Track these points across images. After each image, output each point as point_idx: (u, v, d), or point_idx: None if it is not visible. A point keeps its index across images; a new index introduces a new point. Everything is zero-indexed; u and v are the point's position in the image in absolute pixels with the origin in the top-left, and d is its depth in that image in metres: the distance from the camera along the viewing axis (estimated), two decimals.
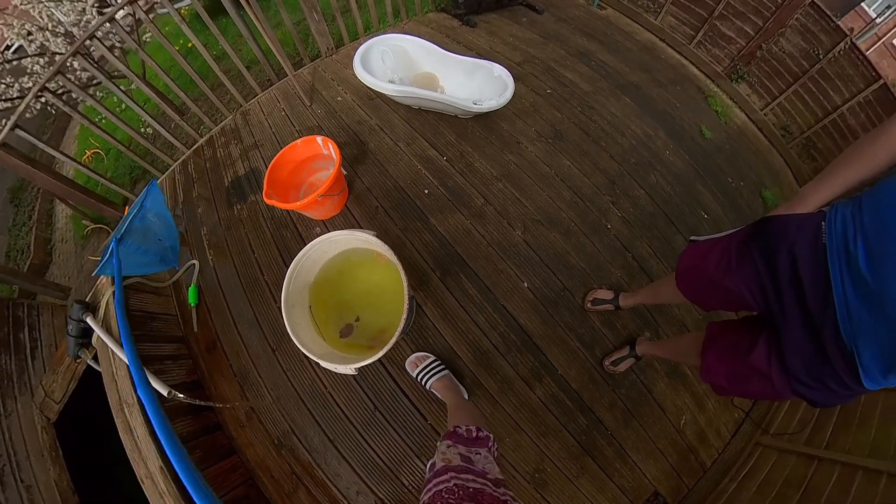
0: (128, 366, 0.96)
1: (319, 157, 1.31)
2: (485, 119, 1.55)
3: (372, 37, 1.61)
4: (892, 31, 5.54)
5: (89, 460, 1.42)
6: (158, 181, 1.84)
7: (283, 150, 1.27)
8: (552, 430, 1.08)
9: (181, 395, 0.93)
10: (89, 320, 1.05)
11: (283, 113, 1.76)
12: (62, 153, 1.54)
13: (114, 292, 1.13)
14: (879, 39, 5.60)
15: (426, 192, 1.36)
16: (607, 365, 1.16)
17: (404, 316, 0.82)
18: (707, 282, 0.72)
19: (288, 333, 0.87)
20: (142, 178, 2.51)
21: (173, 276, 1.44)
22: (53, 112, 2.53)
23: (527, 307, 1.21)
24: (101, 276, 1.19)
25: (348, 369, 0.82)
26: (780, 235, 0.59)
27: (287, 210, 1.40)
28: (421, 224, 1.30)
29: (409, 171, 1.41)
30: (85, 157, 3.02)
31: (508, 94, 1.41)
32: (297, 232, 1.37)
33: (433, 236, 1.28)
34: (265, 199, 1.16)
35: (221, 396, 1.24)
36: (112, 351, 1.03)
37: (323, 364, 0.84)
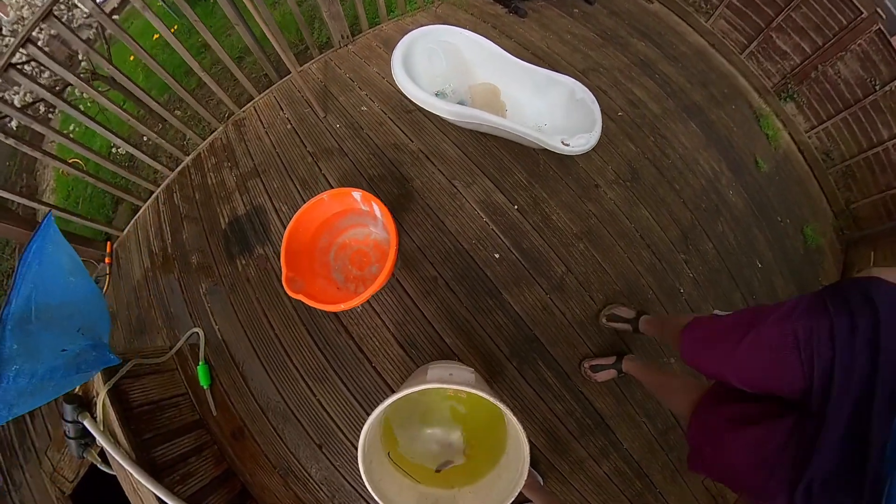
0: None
1: (355, 211, 0.97)
2: (557, 153, 1.25)
3: (412, 28, 1.21)
4: None
5: None
6: (142, 209, 1.44)
7: (302, 210, 0.92)
8: (611, 496, 1.07)
9: None
10: (87, 423, 0.88)
11: (289, 125, 1.35)
12: (36, 200, 1.27)
13: (114, 390, 0.90)
14: None
15: (497, 256, 1.08)
16: (585, 368, 1.06)
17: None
18: (724, 344, 0.60)
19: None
20: (124, 200, 2.17)
21: (172, 342, 1.16)
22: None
23: (603, 389, 1.08)
24: None
25: None
26: (870, 299, 0.46)
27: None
28: (493, 301, 1.05)
29: (472, 225, 1.12)
30: (62, 170, 2.53)
31: (597, 134, 1.14)
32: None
33: (507, 317, 1.05)
34: (287, 290, 0.84)
35: (262, 487, 1.06)
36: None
37: None
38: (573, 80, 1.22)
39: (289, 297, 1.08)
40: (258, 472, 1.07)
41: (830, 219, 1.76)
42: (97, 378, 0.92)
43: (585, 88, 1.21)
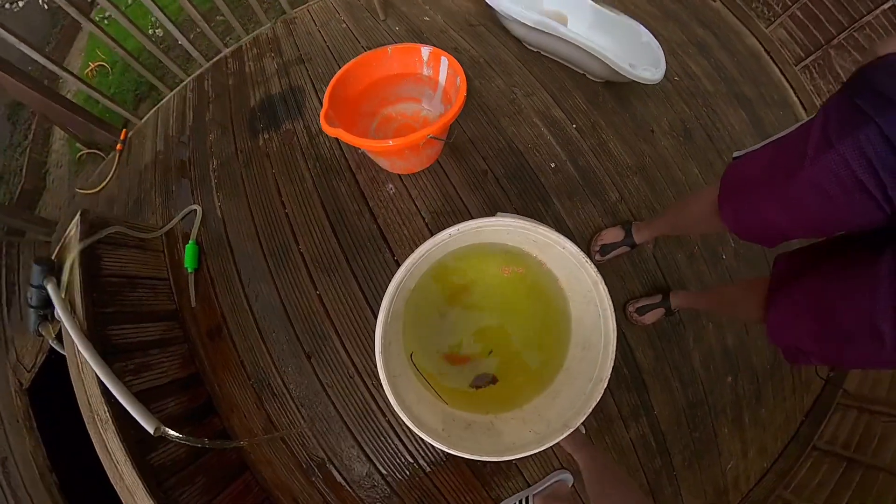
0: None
1: (413, 78, 0.90)
2: (616, 89, 1.22)
3: None
4: None
5: (64, 429, 1.04)
6: (166, 97, 1.39)
7: (362, 56, 0.85)
8: (631, 469, 1.01)
9: (175, 434, 0.65)
10: (50, 289, 0.79)
11: (344, 26, 1.31)
12: (60, 66, 1.22)
13: (87, 254, 0.83)
14: None
15: (552, 165, 1.02)
16: (630, 312, 0.96)
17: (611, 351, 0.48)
18: (780, 181, 0.46)
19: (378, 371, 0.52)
20: (147, 97, 2.27)
21: (166, 223, 1.05)
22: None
23: (645, 339, 1.00)
24: (71, 226, 0.84)
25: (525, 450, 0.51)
26: None
27: (347, 147, 1.00)
28: (543, 208, 0.97)
29: (529, 131, 1.06)
30: (88, 70, 2.59)
31: (663, 69, 1.12)
32: (356, 185, 0.97)
33: (557, 226, 0.98)
34: (323, 125, 0.76)
35: (230, 401, 0.93)
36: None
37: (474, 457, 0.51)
38: (639, 23, 1.19)
39: (310, 169, 1.01)
40: (229, 382, 0.94)
41: None
42: (72, 237, 0.83)
43: (651, 35, 1.18)
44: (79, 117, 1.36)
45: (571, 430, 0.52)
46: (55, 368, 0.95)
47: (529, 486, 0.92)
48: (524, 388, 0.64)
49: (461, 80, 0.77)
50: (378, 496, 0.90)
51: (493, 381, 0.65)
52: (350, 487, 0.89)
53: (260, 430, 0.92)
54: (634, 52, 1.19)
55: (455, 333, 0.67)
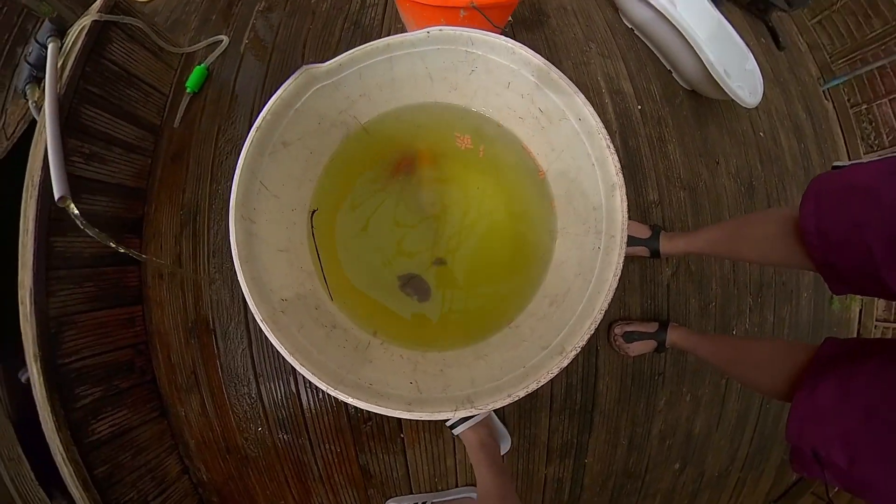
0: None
1: None
2: (698, 104, 1.12)
3: None
4: None
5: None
6: None
7: None
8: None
9: (76, 212, 0.66)
10: (51, 47, 0.80)
11: None
12: None
13: (96, 25, 0.82)
14: None
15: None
16: (615, 334, 0.82)
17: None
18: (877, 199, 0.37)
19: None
20: None
21: (192, 44, 1.06)
22: None
23: (617, 371, 0.89)
24: None
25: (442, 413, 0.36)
26: None
27: (389, 21, 0.97)
28: None
29: (589, 84, 0.96)
30: None
31: (758, 98, 1.05)
32: None
33: None
34: None
35: (157, 226, 0.94)
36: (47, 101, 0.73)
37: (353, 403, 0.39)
38: (751, 52, 1.10)
39: (340, 36, 0.99)
40: (164, 205, 0.94)
41: None
42: (94, 8, 0.82)
43: (756, 65, 1.10)
44: None
45: (499, 400, 0.37)
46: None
47: (414, 492, 0.83)
48: (449, 330, 0.50)
49: None
50: (245, 412, 0.85)
51: (425, 294, 0.51)
52: (223, 376, 0.85)
53: (167, 269, 0.89)
54: (735, 77, 1.08)
55: (393, 220, 0.53)
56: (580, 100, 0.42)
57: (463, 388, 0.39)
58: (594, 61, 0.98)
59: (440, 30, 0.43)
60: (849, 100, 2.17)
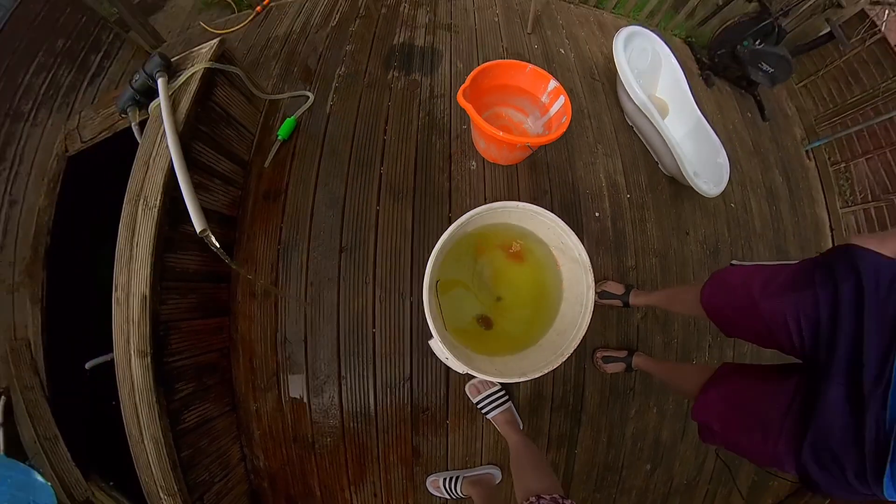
0: (171, 162, 0.83)
1: (529, 96, 1.15)
2: (676, 187, 1.46)
3: (633, 25, 1.45)
4: None
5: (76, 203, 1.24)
6: None
7: (506, 62, 1.10)
8: None
9: (215, 244, 0.78)
10: (160, 81, 0.91)
11: (496, 19, 1.56)
12: None
13: (207, 75, 0.95)
14: None
15: (597, 214, 1.26)
16: (597, 357, 1.16)
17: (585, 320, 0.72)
18: (742, 300, 0.66)
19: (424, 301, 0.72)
20: None
21: (278, 93, 1.27)
22: None
23: (599, 385, 1.19)
24: (206, 45, 1.00)
25: (458, 366, 0.71)
26: (854, 265, 0.52)
27: (456, 117, 1.24)
28: None
29: (593, 181, 1.30)
30: None
31: (720, 190, 1.36)
32: (449, 149, 1.23)
33: None
34: (459, 96, 0.99)
35: (250, 253, 1.11)
36: (163, 133, 0.87)
37: (438, 344, 0.72)
38: (723, 148, 1.43)
39: (418, 117, 1.24)
40: (259, 237, 1.09)
41: None
42: (203, 54, 0.98)
43: (727, 160, 1.42)
44: None
45: (527, 377, 0.74)
46: (98, 155, 1.12)
47: (448, 469, 1.04)
48: (506, 345, 0.87)
49: (567, 119, 1.01)
50: (323, 408, 1.02)
51: (489, 325, 0.89)
52: (307, 370, 1.02)
53: (261, 290, 1.07)
54: (705, 166, 1.42)
55: (474, 283, 0.90)
56: (579, 248, 0.79)
57: (516, 371, 0.76)
58: (599, 161, 1.32)
59: (518, 205, 0.79)
60: (829, 158, 2.47)
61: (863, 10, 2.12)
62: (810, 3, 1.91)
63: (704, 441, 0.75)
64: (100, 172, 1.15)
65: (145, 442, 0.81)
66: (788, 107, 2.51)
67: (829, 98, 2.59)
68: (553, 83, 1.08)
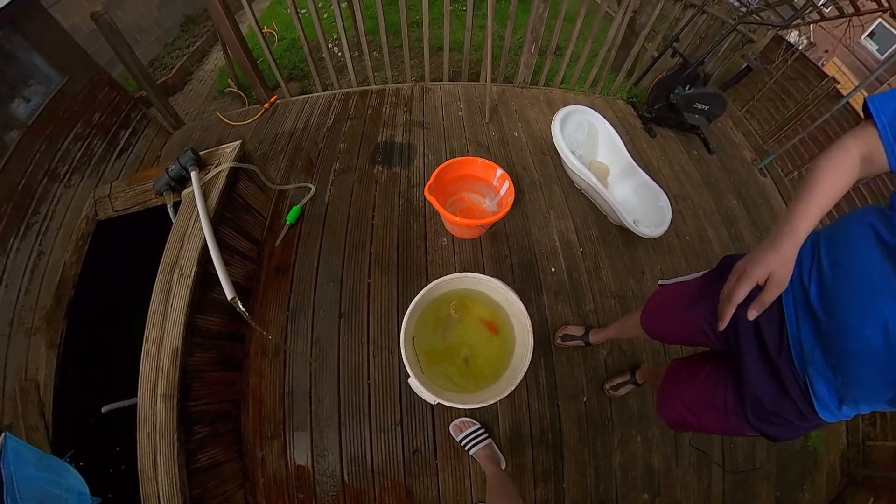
0: (204, 241, 1.05)
1: (484, 182, 1.47)
2: (627, 234, 1.71)
3: (572, 102, 1.81)
4: None
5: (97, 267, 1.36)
6: (317, 93, 1.98)
7: (461, 158, 1.44)
8: None
9: (242, 309, 0.98)
10: (193, 174, 1.10)
11: (460, 113, 1.95)
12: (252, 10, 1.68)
13: (231, 171, 1.21)
14: None
15: (553, 270, 1.51)
16: (607, 389, 1.29)
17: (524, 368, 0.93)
18: (669, 316, 0.81)
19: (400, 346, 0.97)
20: (295, 80, 2.66)
21: (283, 183, 1.57)
22: None
23: (575, 419, 1.33)
24: (230, 146, 1.29)
25: (430, 398, 0.94)
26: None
27: (429, 205, 1.56)
28: (534, 296, 1.46)
29: (547, 242, 1.58)
30: (264, 30, 3.11)
31: (662, 231, 1.59)
32: (424, 229, 1.53)
33: (538, 312, 1.44)
34: (426, 192, 1.30)
35: (263, 317, 1.32)
36: (196, 216, 1.08)
37: (412, 382, 0.95)
38: (662, 191, 1.69)
39: (399, 204, 1.56)
40: (270, 303, 1.31)
41: (842, 442, 1.65)
42: (228, 153, 1.22)
43: (668, 201, 1.68)
44: (251, 66, 1.85)
45: (485, 403, 0.92)
46: (121, 227, 1.29)
47: None
48: (475, 382, 1.09)
49: (511, 199, 1.32)
50: (324, 454, 1.14)
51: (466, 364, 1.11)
52: (310, 420, 1.16)
53: (272, 348, 1.27)
54: (648, 211, 1.69)
55: (445, 337, 1.15)
56: (517, 302, 1.04)
57: (475, 399, 0.94)
58: (552, 224, 1.61)
59: (469, 275, 1.07)
60: (783, 170, 2.72)
61: (776, 35, 2.47)
62: (725, 46, 2.27)
63: (677, 430, 0.89)
64: (120, 238, 1.33)
65: (158, 478, 0.86)
66: (735, 134, 2.79)
67: (770, 117, 2.93)
68: (499, 171, 1.40)
